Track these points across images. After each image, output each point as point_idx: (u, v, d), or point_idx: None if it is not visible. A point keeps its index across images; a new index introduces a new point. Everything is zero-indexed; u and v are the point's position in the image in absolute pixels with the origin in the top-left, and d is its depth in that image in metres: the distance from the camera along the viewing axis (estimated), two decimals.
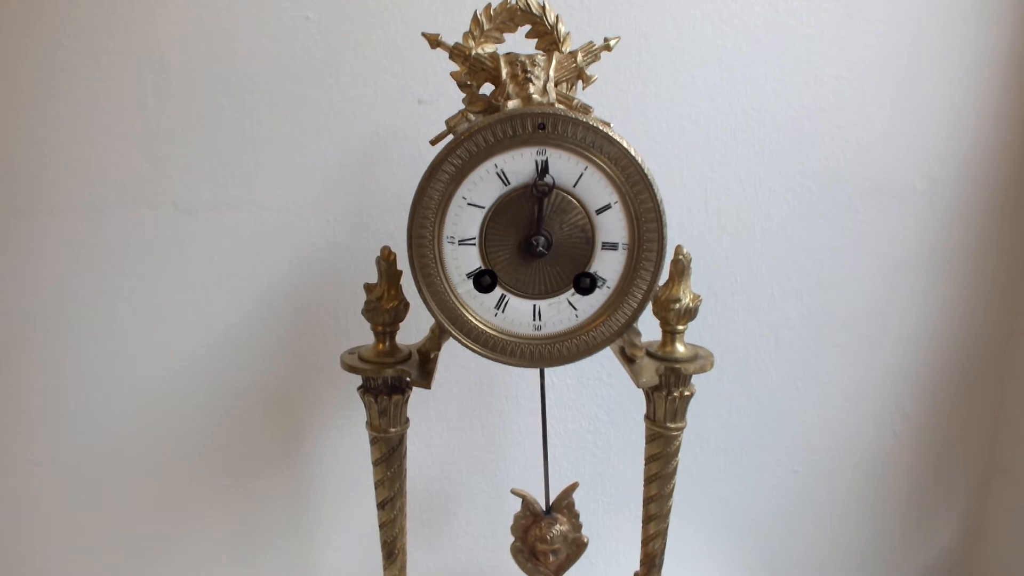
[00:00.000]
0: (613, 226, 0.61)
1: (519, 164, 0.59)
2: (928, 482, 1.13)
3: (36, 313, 0.93)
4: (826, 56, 0.95)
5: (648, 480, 0.75)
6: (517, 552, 0.82)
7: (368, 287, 0.69)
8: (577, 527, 0.82)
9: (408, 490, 0.76)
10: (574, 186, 0.60)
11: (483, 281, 0.61)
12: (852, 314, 1.04)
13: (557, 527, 0.80)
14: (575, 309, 0.63)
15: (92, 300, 0.93)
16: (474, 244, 0.61)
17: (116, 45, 0.87)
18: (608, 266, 0.62)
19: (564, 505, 0.81)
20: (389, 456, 0.72)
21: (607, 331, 0.63)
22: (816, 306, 1.03)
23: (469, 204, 0.60)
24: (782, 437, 1.08)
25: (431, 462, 1.01)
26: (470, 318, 0.62)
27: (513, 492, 0.81)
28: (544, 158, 0.59)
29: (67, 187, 0.90)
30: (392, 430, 0.71)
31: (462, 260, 0.61)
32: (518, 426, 1.01)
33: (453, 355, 0.97)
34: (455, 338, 0.63)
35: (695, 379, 0.72)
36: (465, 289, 0.62)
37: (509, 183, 0.60)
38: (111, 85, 0.88)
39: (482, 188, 0.60)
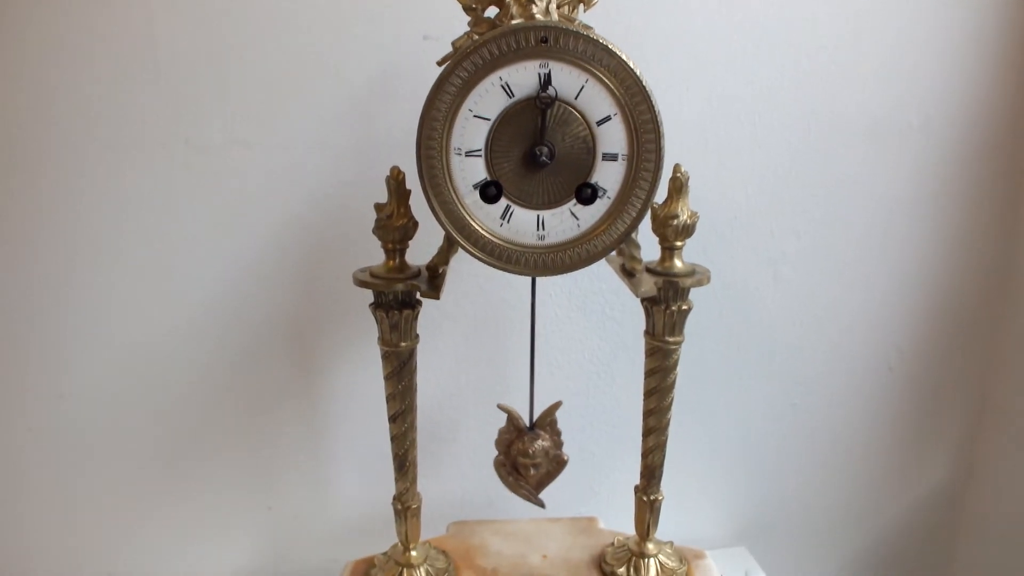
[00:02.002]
0: (613, 137, 0.63)
1: (523, 77, 0.62)
2: (921, 417, 1.16)
3: (50, 250, 0.95)
4: None
5: (647, 394, 0.79)
6: (500, 466, 0.85)
7: (378, 206, 0.72)
8: (558, 444, 0.84)
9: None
10: (575, 98, 0.62)
11: (489, 192, 0.64)
12: (849, 251, 1.07)
13: (539, 443, 0.83)
14: (577, 219, 0.65)
15: (106, 237, 0.95)
16: (480, 155, 0.64)
17: None
18: (608, 176, 0.64)
19: (547, 422, 0.83)
20: (400, 370, 0.75)
21: (607, 240, 0.65)
22: (814, 243, 1.06)
23: (475, 116, 0.62)
24: (780, 371, 1.11)
25: (441, 393, 1.05)
26: (477, 228, 0.65)
27: (499, 407, 0.83)
28: (547, 71, 0.61)
29: (80, 127, 0.91)
30: (403, 344, 0.74)
31: (469, 171, 0.64)
32: (523, 358, 1.04)
33: (459, 283, 1.00)
34: (463, 247, 0.65)
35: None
36: (472, 200, 0.65)
37: (513, 95, 0.62)
38: (122, 24, 0.89)
39: (487, 100, 0.62)
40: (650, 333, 0.76)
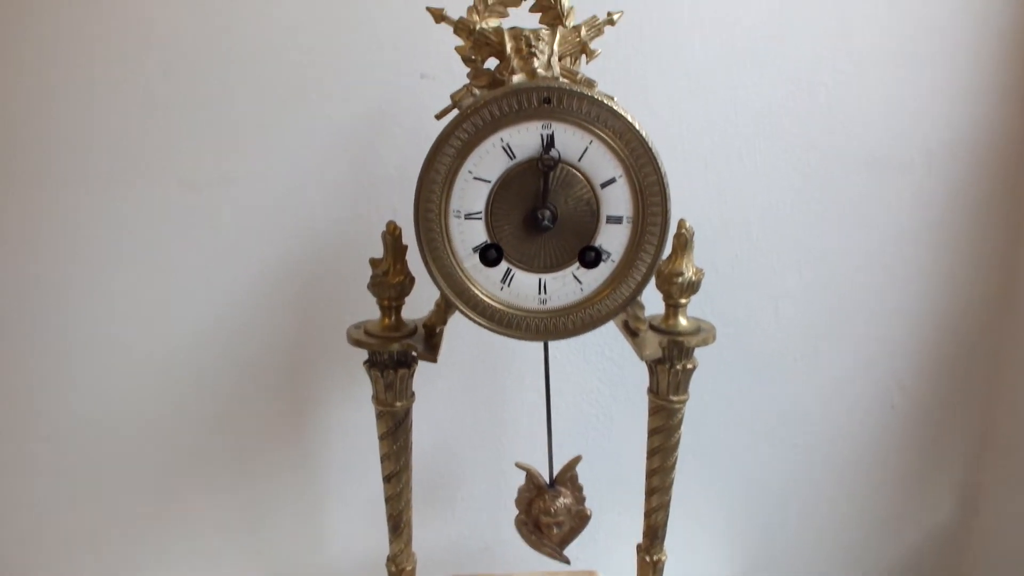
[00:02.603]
0: (617, 200, 0.61)
1: (525, 138, 0.60)
2: (925, 455, 1.14)
3: (42, 288, 0.93)
4: (826, 30, 0.95)
5: (651, 453, 0.77)
6: (521, 525, 0.83)
7: (374, 261, 0.69)
8: (580, 499, 0.83)
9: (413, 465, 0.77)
10: (579, 160, 0.60)
11: (489, 255, 0.62)
12: (851, 287, 1.05)
13: (561, 500, 0.81)
14: (580, 283, 0.63)
15: (98, 275, 0.93)
16: (480, 218, 0.61)
17: (121, 22, 0.87)
18: (613, 240, 0.62)
19: (568, 478, 0.82)
20: (395, 430, 0.73)
21: (611, 304, 0.63)
22: (815, 279, 1.04)
23: (475, 178, 0.60)
24: (781, 410, 1.09)
25: (435, 439, 1.02)
26: (476, 292, 0.63)
27: (518, 465, 0.82)
28: (549, 132, 0.59)
29: (72, 163, 0.90)
30: (398, 404, 0.72)
31: (468, 234, 0.62)
32: (521, 402, 1.02)
33: (457, 332, 0.97)
34: (462, 312, 0.63)
35: (697, 352, 0.73)
36: (471, 263, 0.62)
37: (515, 157, 0.60)
38: (116, 60, 0.88)
39: (488, 162, 0.60)
40: (654, 392, 0.74)
